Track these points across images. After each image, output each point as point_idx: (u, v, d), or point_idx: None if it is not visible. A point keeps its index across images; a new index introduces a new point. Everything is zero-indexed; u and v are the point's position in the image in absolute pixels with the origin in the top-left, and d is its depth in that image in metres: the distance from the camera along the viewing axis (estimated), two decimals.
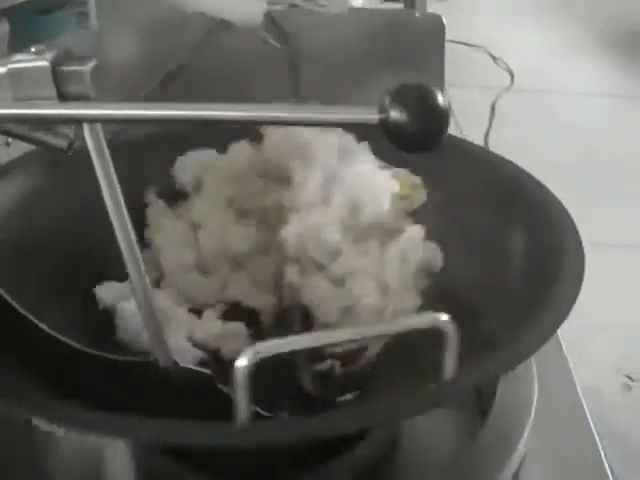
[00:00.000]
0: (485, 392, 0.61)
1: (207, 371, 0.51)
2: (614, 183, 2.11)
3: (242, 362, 0.43)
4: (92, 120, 0.45)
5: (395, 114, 0.40)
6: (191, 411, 0.43)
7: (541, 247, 0.60)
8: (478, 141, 2.19)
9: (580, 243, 0.57)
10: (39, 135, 0.61)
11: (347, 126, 0.41)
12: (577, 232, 0.58)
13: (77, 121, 0.46)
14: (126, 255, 0.47)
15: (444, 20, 0.71)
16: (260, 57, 0.74)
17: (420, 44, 0.72)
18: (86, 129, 0.46)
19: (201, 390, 0.51)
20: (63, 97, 0.46)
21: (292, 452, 0.53)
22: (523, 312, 0.54)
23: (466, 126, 2.30)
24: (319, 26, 0.76)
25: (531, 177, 0.66)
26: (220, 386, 0.51)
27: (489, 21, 3.04)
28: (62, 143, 0.62)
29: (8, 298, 0.54)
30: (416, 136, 0.41)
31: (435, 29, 0.72)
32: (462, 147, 0.72)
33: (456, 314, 0.61)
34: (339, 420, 0.46)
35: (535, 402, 0.60)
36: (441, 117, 0.41)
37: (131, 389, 0.50)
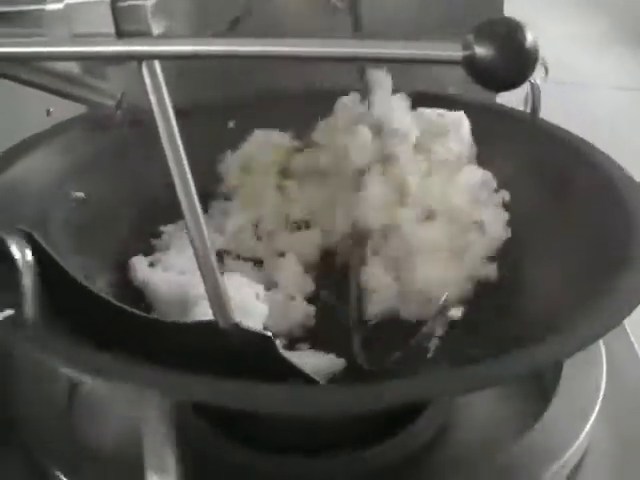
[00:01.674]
0: (548, 377, 0.59)
1: (269, 334, 0.48)
2: None
3: None
4: (150, 57, 0.43)
5: (481, 50, 0.37)
6: (250, 375, 0.41)
7: (612, 229, 0.58)
8: None
9: None
10: (83, 93, 0.60)
11: (427, 63, 0.38)
12: None
13: (134, 58, 0.43)
14: (184, 205, 0.45)
15: None
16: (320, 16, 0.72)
17: (477, 6, 0.70)
18: (144, 67, 0.43)
19: (262, 354, 0.48)
20: (122, 35, 0.43)
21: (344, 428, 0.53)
22: (592, 294, 0.52)
23: None
24: None
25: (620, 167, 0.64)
26: (281, 350, 0.48)
27: (519, 14, 3.00)
28: (110, 101, 0.61)
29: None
30: (503, 73, 0.38)
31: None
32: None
33: (521, 293, 0.60)
34: (400, 390, 0.44)
35: (603, 389, 0.58)
36: (530, 52, 0.38)
37: (189, 352, 0.48)
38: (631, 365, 0.64)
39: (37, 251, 0.52)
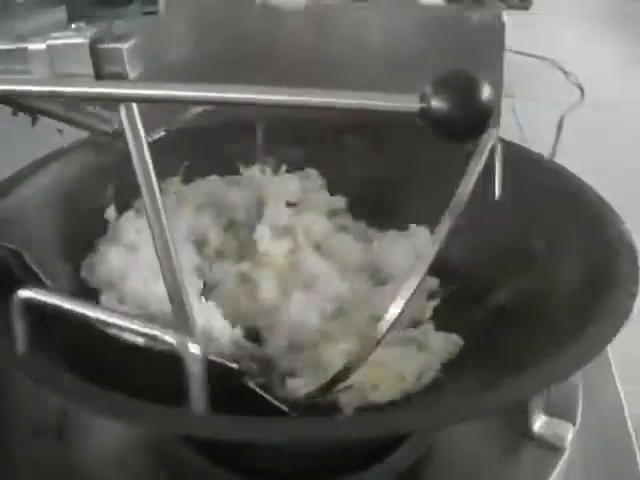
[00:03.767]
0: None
1: (234, 365, 0.49)
2: None
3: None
4: (128, 100, 0.44)
5: (437, 104, 0.38)
6: (217, 405, 0.42)
7: (594, 260, 0.58)
8: (544, 153, 2.16)
9: (636, 256, 0.55)
10: (84, 119, 0.61)
11: (385, 114, 0.39)
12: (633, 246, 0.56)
13: (113, 100, 0.45)
14: (156, 239, 0.46)
15: (504, 18, 0.68)
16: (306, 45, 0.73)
17: (475, 42, 0.70)
18: (122, 109, 0.45)
19: (228, 384, 0.49)
20: (101, 76, 0.45)
21: (328, 456, 0.53)
22: (573, 323, 0.52)
23: (532, 139, 2.26)
24: (363, 20, 0.74)
25: (593, 191, 0.64)
26: (247, 381, 0.49)
27: (546, 36, 2.99)
28: (107, 127, 0.63)
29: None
30: (457, 127, 0.39)
31: (493, 28, 0.69)
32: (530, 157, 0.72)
33: (502, 324, 0.61)
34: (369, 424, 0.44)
35: (579, 416, 0.58)
36: (484, 110, 0.39)
37: (156, 378, 0.49)
38: (607, 388, 0.65)
39: (24, 269, 0.54)
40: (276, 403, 0.50)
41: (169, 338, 0.44)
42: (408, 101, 0.39)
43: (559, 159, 2.14)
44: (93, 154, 0.68)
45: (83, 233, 0.67)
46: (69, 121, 0.62)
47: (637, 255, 0.55)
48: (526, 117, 2.38)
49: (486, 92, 0.39)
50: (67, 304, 0.47)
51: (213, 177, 0.76)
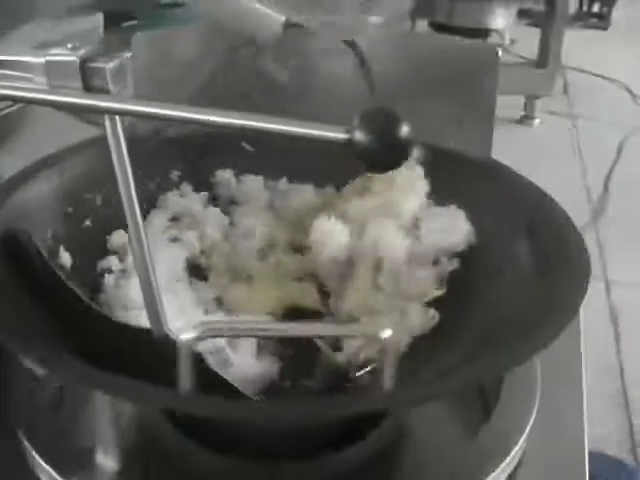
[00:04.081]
0: (489, 392, 0.64)
1: (197, 351, 0.54)
2: None
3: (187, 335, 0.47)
4: (111, 112, 0.50)
5: (359, 136, 0.44)
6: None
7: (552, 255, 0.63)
8: (600, 176, 2.16)
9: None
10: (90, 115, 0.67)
11: (317, 141, 0.45)
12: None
13: (98, 112, 0.51)
14: (131, 232, 0.52)
15: (499, 52, 0.72)
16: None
17: (472, 73, 0.73)
18: (106, 120, 0.51)
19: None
20: (88, 89, 0.51)
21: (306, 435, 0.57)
22: (533, 310, 0.57)
23: (590, 159, 2.27)
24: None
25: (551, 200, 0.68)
26: (210, 366, 0.54)
27: (623, 55, 2.96)
28: None
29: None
30: (377, 158, 0.44)
31: (487, 60, 0.73)
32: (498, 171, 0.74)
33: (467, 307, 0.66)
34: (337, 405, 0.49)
35: (537, 406, 0.62)
36: (401, 146, 0.44)
37: (130, 354, 0.53)
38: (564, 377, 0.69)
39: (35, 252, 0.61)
40: (236, 386, 0.54)
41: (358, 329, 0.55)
42: (336, 131, 0.44)
43: (615, 180, 2.13)
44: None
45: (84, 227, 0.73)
46: (83, 119, 0.69)
47: (585, 246, 0.61)
48: (587, 137, 2.39)
49: (404, 130, 0.44)
50: (239, 326, 0.53)
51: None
